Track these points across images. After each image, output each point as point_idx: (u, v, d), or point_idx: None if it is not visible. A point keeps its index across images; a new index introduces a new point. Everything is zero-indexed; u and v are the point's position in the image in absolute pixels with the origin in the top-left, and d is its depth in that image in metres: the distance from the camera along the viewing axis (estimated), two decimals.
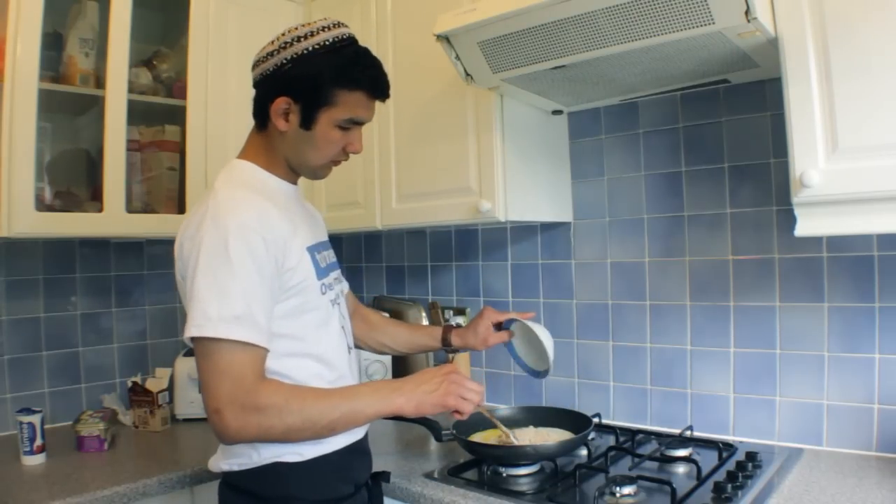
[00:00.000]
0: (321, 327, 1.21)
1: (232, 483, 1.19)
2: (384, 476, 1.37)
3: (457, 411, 1.19)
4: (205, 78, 1.98)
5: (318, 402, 1.11)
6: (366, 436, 1.32)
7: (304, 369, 1.17)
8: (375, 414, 1.14)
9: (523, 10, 1.28)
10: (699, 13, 1.18)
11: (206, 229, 1.07)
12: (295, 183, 1.29)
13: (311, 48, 1.14)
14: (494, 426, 1.52)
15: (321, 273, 1.23)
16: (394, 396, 1.15)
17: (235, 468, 1.17)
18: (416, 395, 1.16)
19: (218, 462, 1.21)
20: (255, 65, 1.20)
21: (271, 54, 1.16)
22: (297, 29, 1.16)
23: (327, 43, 1.14)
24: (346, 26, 1.19)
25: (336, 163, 1.27)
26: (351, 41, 1.18)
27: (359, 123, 1.22)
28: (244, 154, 1.26)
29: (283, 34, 1.16)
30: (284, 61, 1.14)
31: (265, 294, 1.09)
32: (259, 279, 1.08)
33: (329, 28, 1.16)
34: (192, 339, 1.06)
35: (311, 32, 1.15)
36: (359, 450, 1.28)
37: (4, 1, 1.62)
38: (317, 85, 1.14)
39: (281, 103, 1.16)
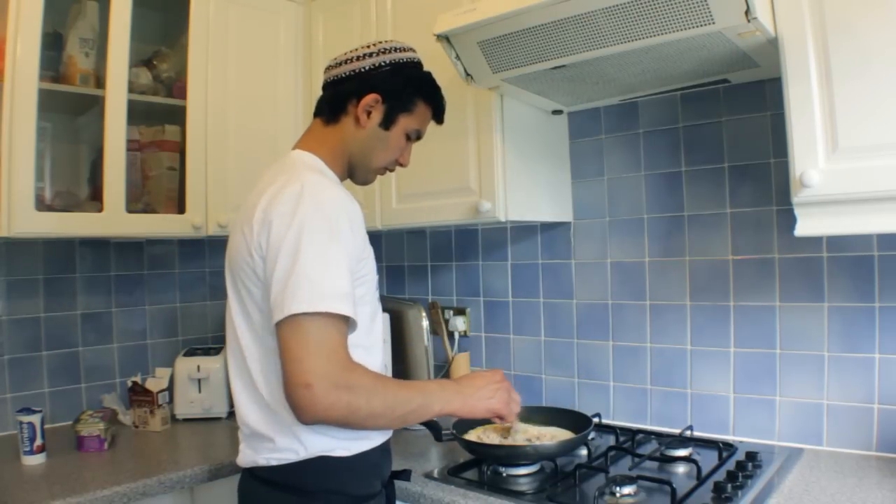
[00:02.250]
0: (373, 321, 1.25)
1: (266, 478, 1.18)
2: (405, 474, 1.37)
3: (500, 417, 1.29)
4: (205, 78, 1.98)
5: (400, 390, 1.15)
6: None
7: (354, 357, 1.15)
8: (440, 411, 1.18)
9: (523, 10, 1.29)
10: (699, 13, 1.18)
11: (307, 206, 1.08)
12: (341, 182, 1.32)
13: (405, 60, 1.28)
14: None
15: (376, 271, 1.29)
16: (456, 398, 1.21)
17: (274, 462, 1.17)
18: (472, 400, 1.24)
19: (252, 457, 1.19)
20: (344, 62, 1.28)
21: (368, 55, 1.26)
22: (390, 41, 1.30)
23: (415, 61, 1.31)
24: None
25: (383, 172, 1.36)
26: (423, 66, 1.33)
27: (418, 138, 1.35)
28: (305, 145, 1.29)
29: (380, 42, 1.29)
30: (383, 63, 1.26)
31: (353, 275, 1.13)
32: (352, 261, 1.12)
33: (413, 50, 1.31)
34: (288, 317, 1.04)
35: (404, 48, 1.29)
36: (388, 448, 1.31)
37: (4, 1, 1.63)
38: (406, 91, 1.27)
39: (370, 100, 1.25)
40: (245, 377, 1.19)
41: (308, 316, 1.03)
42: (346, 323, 1.07)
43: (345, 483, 1.18)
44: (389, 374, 2.07)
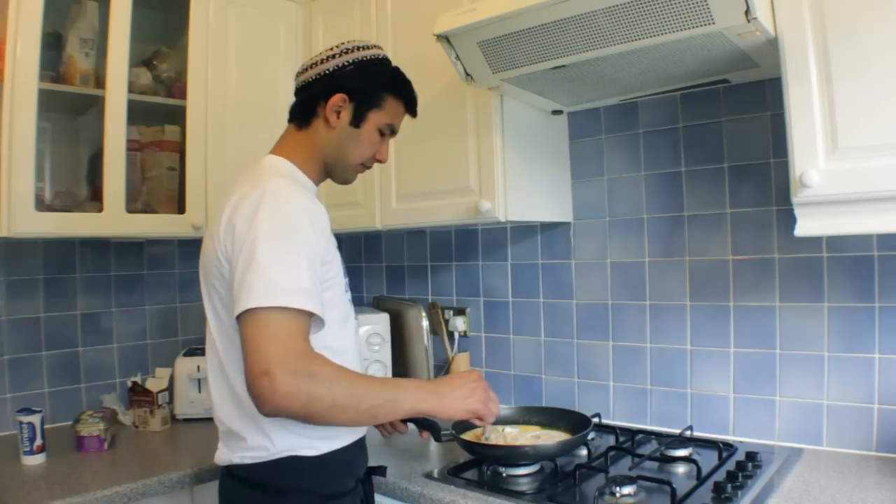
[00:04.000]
0: (343, 323, 1.25)
1: (240, 476, 1.20)
2: (381, 470, 1.39)
3: (480, 417, 1.26)
4: (205, 78, 1.98)
5: (365, 382, 1.13)
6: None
7: None
8: (411, 409, 1.16)
9: (523, 10, 1.29)
10: (699, 13, 1.18)
11: (266, 209, 1.10)
12: (317, 185, 1.35)
13: (369, 57, 1.30)
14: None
15: (345, 273, 1.30)
16: (430, 397, 1.19)
17: (247, 461, 1.18)
18: (449, 400, 1.21)
19: (227, 455, 1.22)
20: (310, 67, 1.30)
21: (332, 57, 1.28)
22: (353, 41, 1.31)
23: (380, 57, 1.32)
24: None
25: (362, 169, 1.36)
26: (390, 62, 1.35)
27: (393, 133, 1.36)
28: (280, 151, 1.31)
29: (343, 43, 1.30)
30: (346, 63, 1.28)
31: (317, 275, 1.13)
32: (314, 262, 1.13)
33: (378, 47, 1.33)
34: (247, 311, 1.04)
35: (367, 46, 1.31)
36: (361, 445, 1.32)
37: (4, 1, 1.63)
38: (372, 88, 1.29)
39: (337, 100, 1.26)
40: (220, 375, 1.22)
41: (266, 310, 1.03)
42: (308, 319, 1.07)
43: (314, 481, 1.19)
44: (389, 374, 2.07)
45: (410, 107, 1.36)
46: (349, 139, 1.29)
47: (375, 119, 1.30)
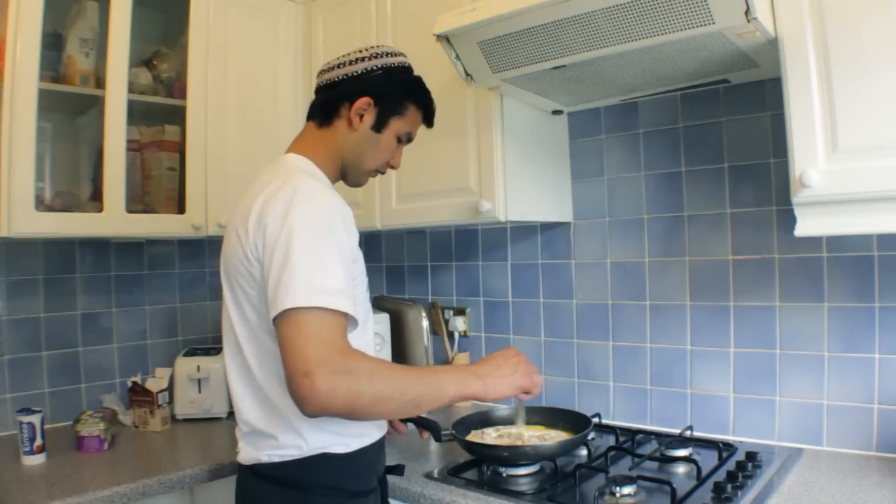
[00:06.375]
0: (365, 321, 1.25)
1: (266, 474, 1.19)
2: (399, 469, 1.39)
3: (528, 392, 1.24)
4: (205, 78, 1.99)
5: (405, 373, 1.12)
6: None
7: None
8: (457, 395, 1.14)
9: (523, 10, 1.29)
10: (699, 13, 1.18)
11: (299, 209, 1.10)
12: (333, 185, 1.34)
13: (396, 64, 1.31)
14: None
15: (367, 272, 1.30)
16: (473, 380, 1.16)
17: (276, 459, 1.18)
18: (494, 380, 1.18)
19: (253, 454, 1.21)
20: (336, 67, 1.30)
21: (360, 59, 1.29)
22: (382, 46, 1.33)
23: (406, 65, 1.33)
24: None
25: (375, 174, 1.38)
26: (413, 70, 1.36)
27: (409, 140, 1.37)
28: (299, 149, 1.30)
29: (372, 47, 1.31)
30: (375, 68, 1.28)
31: (350, 275, 1.13)
32: (347, 261, 1.13)
33: (403, 55, 1.34)
34: (284, 312, 1.03)
35: (395, 53, 1.32)
36: (383, 444, 1.32)
37: (4, 1, 1.63)
38: (397, 95, 1.30)
39: (363, 103, 1.27)
40: (247, 376, 1.21)
41: (303, 310, 1.02)
42: (345, 318, 1.07)
43: (344, 479, 1.19)
44: None
45: (429, 117, 1.37)
46: (369, 143, 1.30)
47: (396, 126, 1.31)
